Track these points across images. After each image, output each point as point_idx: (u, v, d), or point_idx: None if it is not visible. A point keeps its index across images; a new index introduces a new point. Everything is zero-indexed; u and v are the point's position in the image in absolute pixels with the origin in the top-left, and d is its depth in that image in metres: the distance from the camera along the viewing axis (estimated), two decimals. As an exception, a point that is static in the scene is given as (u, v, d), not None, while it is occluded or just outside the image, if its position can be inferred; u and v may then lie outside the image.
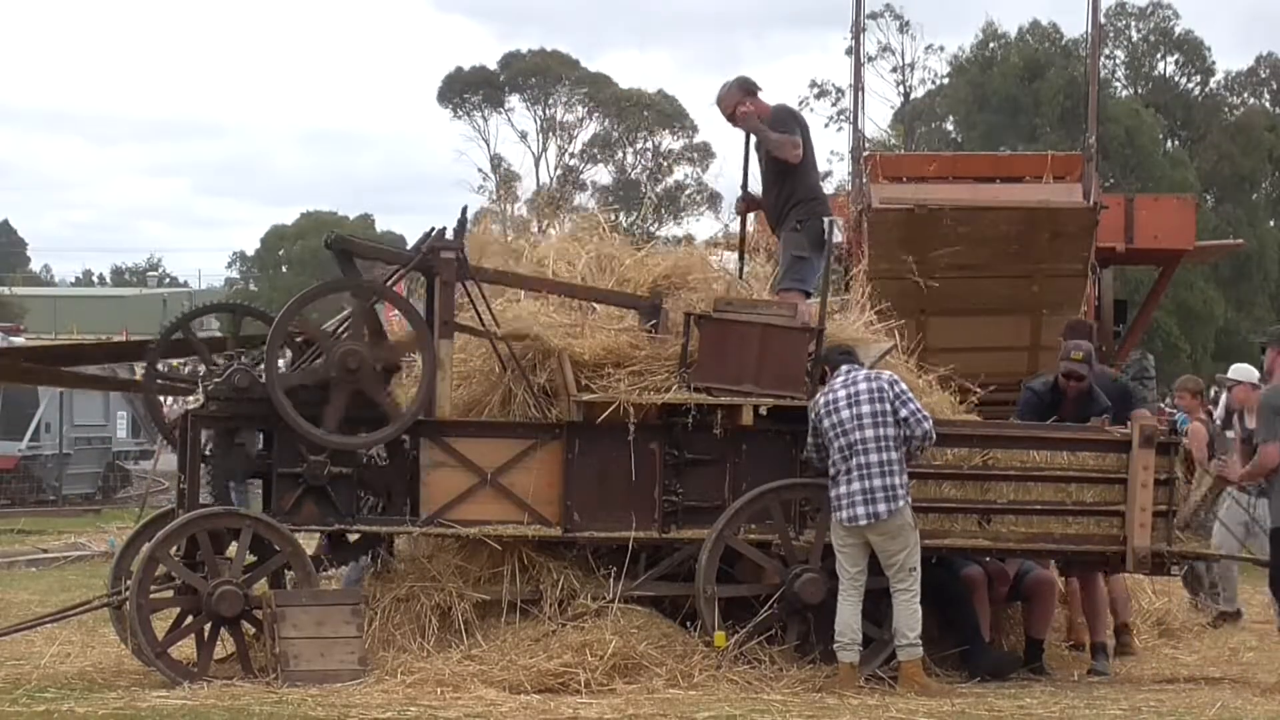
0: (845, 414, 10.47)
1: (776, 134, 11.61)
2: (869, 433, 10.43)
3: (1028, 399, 11.70)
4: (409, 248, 11.46)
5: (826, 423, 10.51)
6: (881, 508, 10.38)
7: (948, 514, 10.97)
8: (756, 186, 12.08)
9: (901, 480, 10.45)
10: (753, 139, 11.84)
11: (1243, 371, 14.50)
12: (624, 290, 11.36)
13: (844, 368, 10.67)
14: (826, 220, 11.39)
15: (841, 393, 10.54)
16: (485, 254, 11.48)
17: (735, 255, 12.08)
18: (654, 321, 11.01)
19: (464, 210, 11.38)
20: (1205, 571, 14.19)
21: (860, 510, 10.39)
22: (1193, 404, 12.54)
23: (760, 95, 11.77)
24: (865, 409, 10.46)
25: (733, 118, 11.76)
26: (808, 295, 11.46)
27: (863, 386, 10.52)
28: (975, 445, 11.03)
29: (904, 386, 10.62)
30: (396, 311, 11.61)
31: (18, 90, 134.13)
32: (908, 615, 10.44)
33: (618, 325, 11.16)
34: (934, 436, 10.55)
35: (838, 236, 11.51)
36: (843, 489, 10.46)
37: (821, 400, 10.58)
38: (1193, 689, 10.81)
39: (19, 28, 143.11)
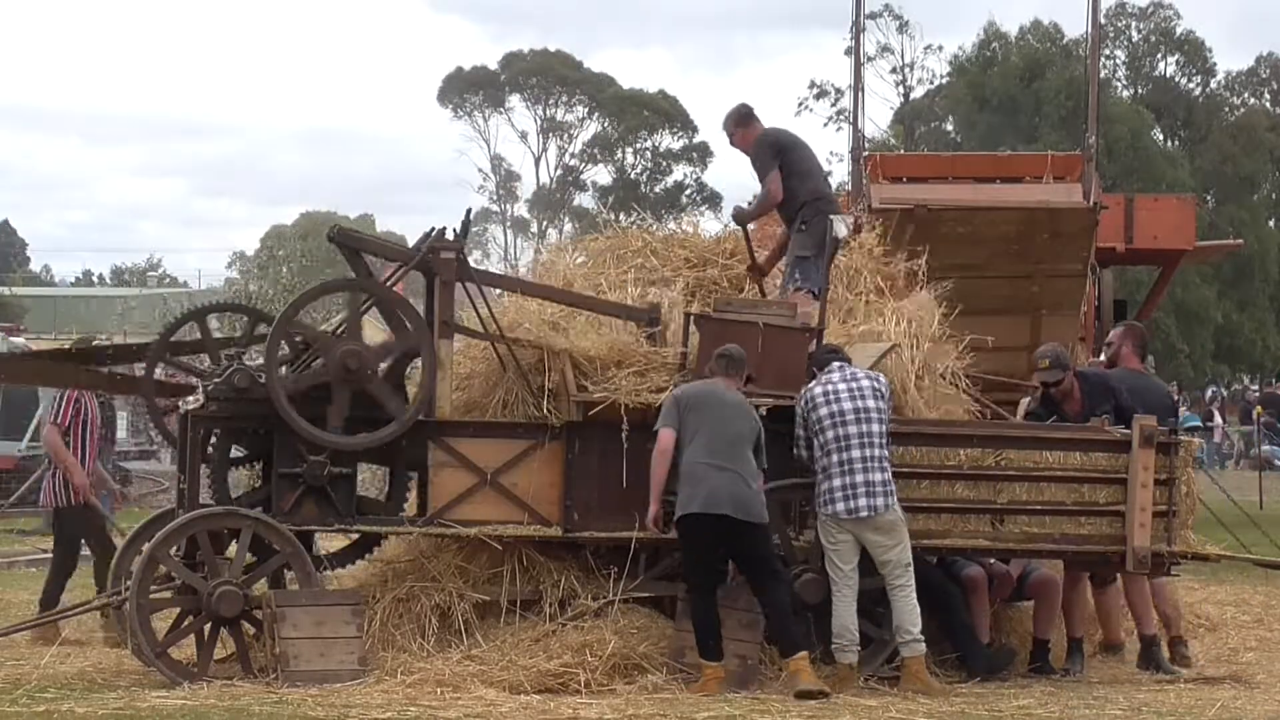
0: (846, 405, 10.49)
1: (754, 204, 11.95)
2: (875, 427, 10.47)
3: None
4: (410, 248, 11.48)
5: (823, 411, 10.49)
6: (880, 501, 10.40)
7: (942, 514, 10.96)
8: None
9: (891, 477, 10.52)
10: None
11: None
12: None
13: (836, 365, 10.69)
14: (832, 218, 11.44)
15: (841, 386, 10.55)
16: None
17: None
18: (652, 331, 11.12)
19: (468, 212, 11.49)
20: None
21: (863, 502, 10.40)
22: None
23: (755, 122, 12.01)
24: (871, 403, 10.49)
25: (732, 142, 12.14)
26: (813, 294, 11.48)
27: (865, 384, 10.56)
28: (977, 445, 11.03)
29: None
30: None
31: (17, 90, 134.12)
32: (909, 612, 10.44)
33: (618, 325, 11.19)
34: None
35: (843, 232, 11.49)
36: (837, 481, 10.45)
37: (818, 390, 10.57)
38: (1193, 689, 10.81)
39: (17, 27, 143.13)
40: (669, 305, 11.48)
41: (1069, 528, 11.02)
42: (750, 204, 12.06)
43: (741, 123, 12.02)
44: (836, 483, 10.46)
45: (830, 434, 10.49)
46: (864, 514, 10.41)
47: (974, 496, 10.97)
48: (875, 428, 10.48)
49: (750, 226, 12.04)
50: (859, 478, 10.43)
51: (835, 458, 10.49)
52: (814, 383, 10.64)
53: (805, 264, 11.58)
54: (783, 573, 10.44)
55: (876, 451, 10.45)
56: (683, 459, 10.26)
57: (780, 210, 11.95)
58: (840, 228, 11.39)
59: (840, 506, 10.45)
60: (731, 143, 12.14)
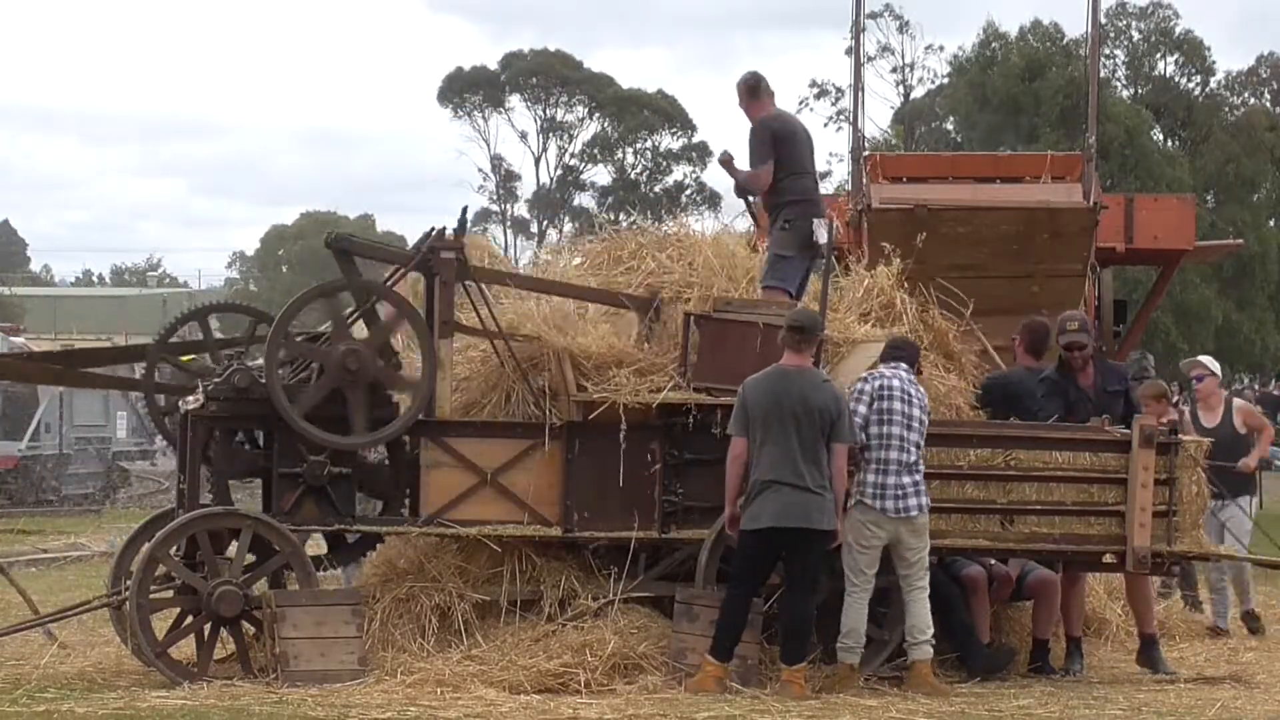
0: (897, 405, 10.51)
1: (742, 172, 11.66)
2: (918, 436, 10.55)
3: (1051, 389, 11.63)
4: (409, 248, 11.48)
5: (894, 404, 10.53)
6: (925, 500, 10.53)
7: (946, 514, 10.96)
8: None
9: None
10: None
11: (1213, 364, 14.61)
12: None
13: (890, 363, 10.73)
14: (816, 222, 11.43)
15: (895, 382, 10.59)
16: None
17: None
18: (651, 320, 11.07)
19: (464, 210, 11.44)
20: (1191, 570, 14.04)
21: (913, 501, 10.47)
22: (1158, 409, 12.56)
23: (761, 98, 11.75)
24: (915, 410, 10.54)
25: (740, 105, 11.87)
26: (789, 294, 11.43)
27: (911, 390, 10.61)
28: (975, 445, 11.02)
29: None
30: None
31: (17, 90, 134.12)
32: (923, 615, 10.47)
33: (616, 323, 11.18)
34: None
35: (824, 237, 11.46)
36: (892, 480, 10.47)
37: (877, 383, 10.58)
38: (1193, 689, 10.81)
39: (17, 26, 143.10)
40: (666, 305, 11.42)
41: (1079, 528, 11.01)
42: (740, 172, 11.73)
43: (749, 94, 11.76)
44: (892, 480, 10.47)
45: (870, 429, 10.49)
46: (914, 512, 10.46)
47: (982, 496, 10.97)
48: (917, 436, 10.53)
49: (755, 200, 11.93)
50: (907, 478, 10.50)
51: (874, 455, 10.47)
52: (874, 375, 10.65)
53: (783, 263, 11.48)
54: (820, 586, 10.44)
55: (915, 452, 10.50)
56: (752, 471, 10.23)
57: (765, 200, 11.77)
58: (822, 233, 11.40)
59: (890, 505, 10.45)
60: (740, 105, 11.88)
